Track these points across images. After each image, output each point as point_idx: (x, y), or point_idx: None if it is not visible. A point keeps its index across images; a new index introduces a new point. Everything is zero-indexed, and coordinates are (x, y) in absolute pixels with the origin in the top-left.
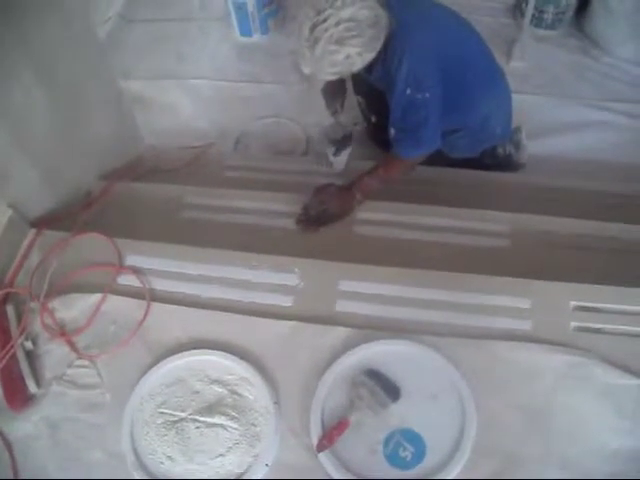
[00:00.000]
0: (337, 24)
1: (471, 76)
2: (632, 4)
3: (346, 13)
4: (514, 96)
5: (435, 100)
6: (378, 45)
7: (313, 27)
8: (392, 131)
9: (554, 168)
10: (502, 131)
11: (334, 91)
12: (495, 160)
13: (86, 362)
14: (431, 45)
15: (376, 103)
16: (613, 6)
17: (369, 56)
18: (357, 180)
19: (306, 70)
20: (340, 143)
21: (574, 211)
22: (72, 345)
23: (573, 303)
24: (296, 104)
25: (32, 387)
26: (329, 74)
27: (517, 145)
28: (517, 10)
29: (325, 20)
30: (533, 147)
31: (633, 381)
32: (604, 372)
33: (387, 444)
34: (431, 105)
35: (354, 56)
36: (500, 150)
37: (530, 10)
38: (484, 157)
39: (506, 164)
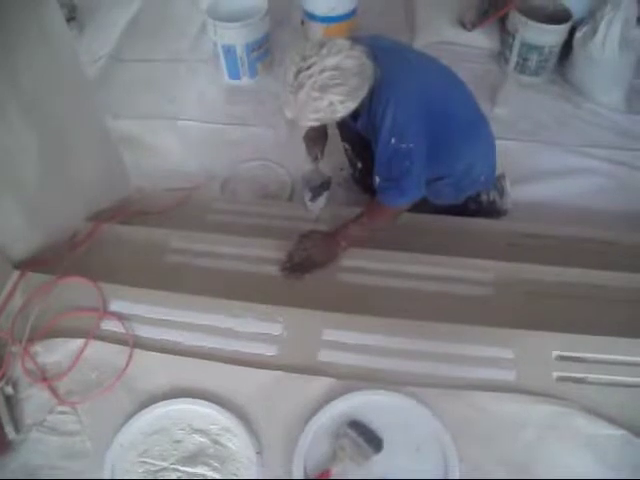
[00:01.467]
0: (321, 72)
1: (455, 126)
2: (612, 53)
3: (331, 61)
4: (498, 142)
5: (419, 150)
6: (361, 94)
7: (298, 73)
8: (376, 179)
9: (537, 214)
10: (486, 178)
11: (315, 138)
12: (479, 206)
13: (67, 408)
14: (415, 96)
15: (362, 150)
16: (594, 54)
17: (352, 104)
18: (341, 227)
19: (289, 115)
20: (317, 189)
21: (557, 258)
22: (53, 391)
23: (556, 353)
24: (283, 148)
25: (11, 433)
26: (311, 120)
27: (501, 192)
28: (501, 57)
29: (310, 67)
30: (516, 193)
31: (617, 431)
32: (587, 422)
33: None
34: (415, 155)
35: (337, 104)
36: (484, 197)
37: (514, 57)
38: (468, 203)
39: (490, 210)
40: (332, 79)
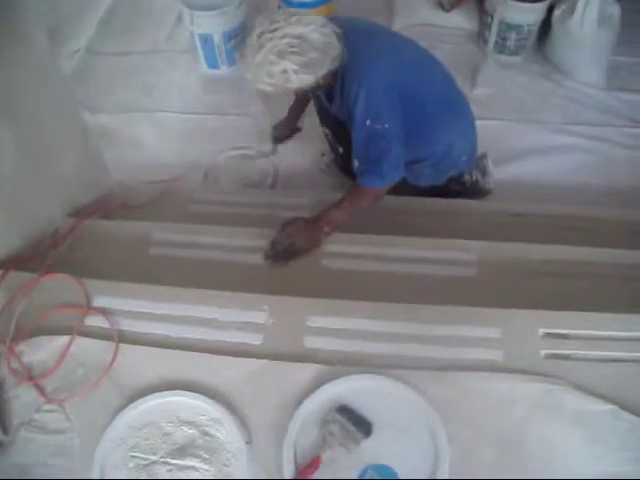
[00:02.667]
0: (283, 37)
1: (432, 106)
2: (591, 30)
3: (296, 30)
4: (479, 122)
5: (395, 130)
6: (320, 71)
7: (261, 34)
8: (355, 163)
9: (520, 193)
10: (467, 158)
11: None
12: (462, 187)
13: (55, 406)
14: (388, 76)
15: (342, 134)
16: (573, 32)
17: (307, 78)
18: (323, 213)
19: (248, 76)
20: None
21: (541, 236)
22: (40, 389)
23: (542, 330)
24: (264, 136)
25: None
26: (265, 84)
27: (483, 171)
28: (480, 37)
29: (274, 31)
30: (499, 173)
31: (605, 406)
32: (576, 399)
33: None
34: (392, 135)
35: (291, 73)
36: (467, 177)
37: (493, 37)
38: (451, 184)
39: (473, 191)
40: (291, 47)
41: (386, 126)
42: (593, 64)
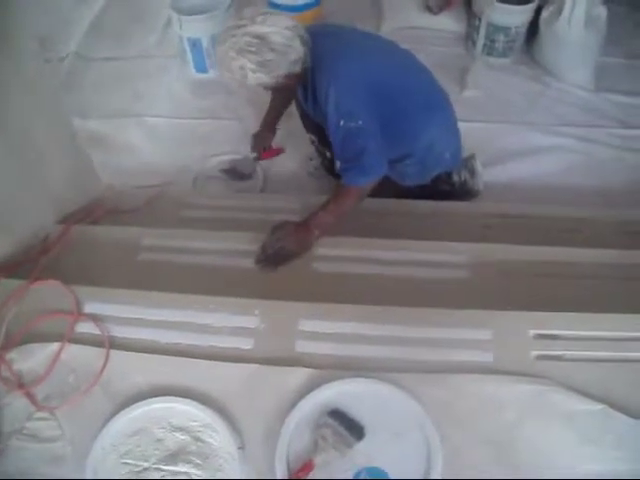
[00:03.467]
0: (244, 35)
1: (409, 104)
2: (578, 31)
3: (258, 30)
4: (468, 124)
5: (370, 127)
6: (276, 72)
7: (227, 29)
8: (337, 163)
9: (509, 195)
10: (451, 156)
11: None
12: (451, 187)
13: (46, 414)
14: (359, 76)
15: (327, 138)
16: (561, 33)
17: (263, 77)
18: (312, 215)
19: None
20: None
21: (530, 238)
22: (31, 397)
23: (533, 331)
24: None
25: None
26: (226, 76)
27: (472, 172)
28: (469, 39)
29: (238, 27)
30: (488, 175)
31: (596, 406)
32: (567, 399)
33: None
34: (367, 132)
35: (247, 70)
36: (455, 177)
37: (481, 39)
38: (439, 184)
39: (462, 191)
40: (249, 45)
41: (360, 123)
42: (581, 65)
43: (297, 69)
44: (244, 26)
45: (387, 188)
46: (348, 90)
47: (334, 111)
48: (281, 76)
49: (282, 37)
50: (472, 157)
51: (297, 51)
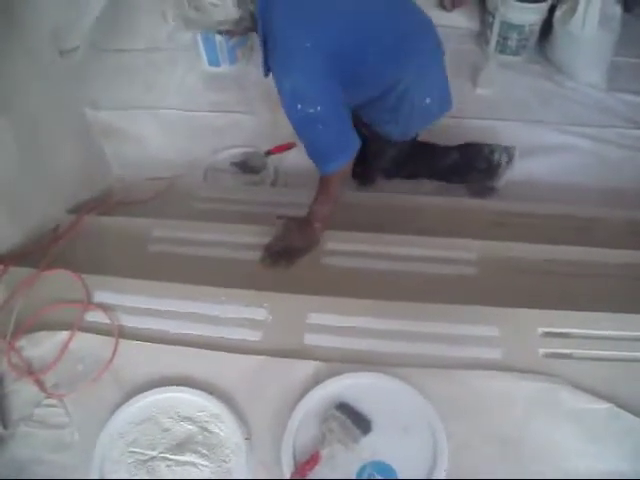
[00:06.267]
0: None
1: (373, 56)
2: (592, 31)
3: None
4: (479, 122)
5: (330, 106)
6: (199, 27)
7: None
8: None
9: (520, 193)
10: (435, 103)
11: None
12: (488, 164)
13: (54, 401)
14: (315, 53)
15: None
16: (575, 33)
17: (187, 28)
18: (309, 212)
19: None
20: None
21: (541, 236)
22: (40, 384)
23: (541, 329)
24: (265, 133)
25: None
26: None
27: (510, 159)
28: (482, 37)
29: None
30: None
31: (602, 405)
32: (574, 397)
33: (359, 477)
34: (327, 114)
35: (169, 19)
36: (496, 155)
37: (494, 37)
38: (478, 160)
39: (491, 173)
40: None
41: (319, 108)
42: (594, 65)
43: (229, 27)
44: None
45: (421, 164)
46: (307, 70)
47: (290, 95)
48: (209, 31)
49: None
50: (514, 148)
51: (227, 13)
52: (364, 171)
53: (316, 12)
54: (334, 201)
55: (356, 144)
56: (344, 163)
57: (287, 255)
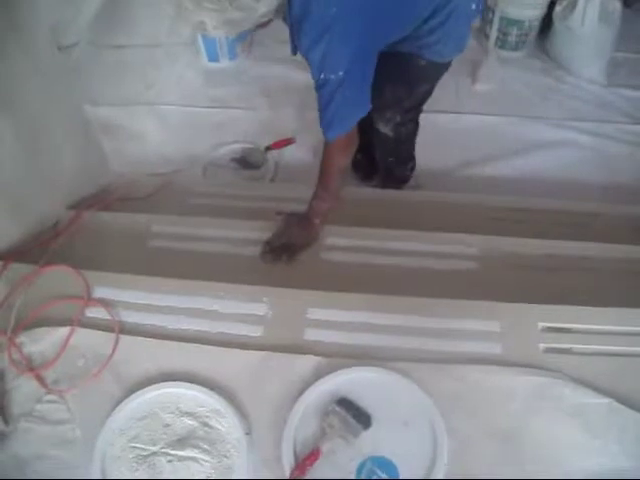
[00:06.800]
0: None
1: None
2: (592, 26)
3: None
4: (480, 117)
5: (354, 73)
6: (242, 26)
7: None
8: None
9: (520, 188)
10: (477, 8)
11: None
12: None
13: (55, 397)
14: (340, 11)
15: None
16: (574, 28)
17: (229, 32)
18: (308, 208)
19: None
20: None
21: (541, 231)
22: (41, 380)
23: (542, 324)
24: (265, 130)
25: (0, 425)
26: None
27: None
28: (482, 33)
29: None
30: (500, 168)
31: (602, 399)
32: (574, 392)
33: (360, 472)
34: (348, 80)
35: (209, 27)
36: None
37: (494, 32)
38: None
39: None
40: (212, 2)
41: (340, 74)
42: (594, 60)
43: (269, 17)
44: None
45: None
46: (330, 38)
47: (317, 65)
48: (249, 28)
49: None
50: None
51: (270, 3)
52: (365, 163)
53: None
54: (333, 197)
55: (366, 108)
56: (339, 131)
57: (287, 251)
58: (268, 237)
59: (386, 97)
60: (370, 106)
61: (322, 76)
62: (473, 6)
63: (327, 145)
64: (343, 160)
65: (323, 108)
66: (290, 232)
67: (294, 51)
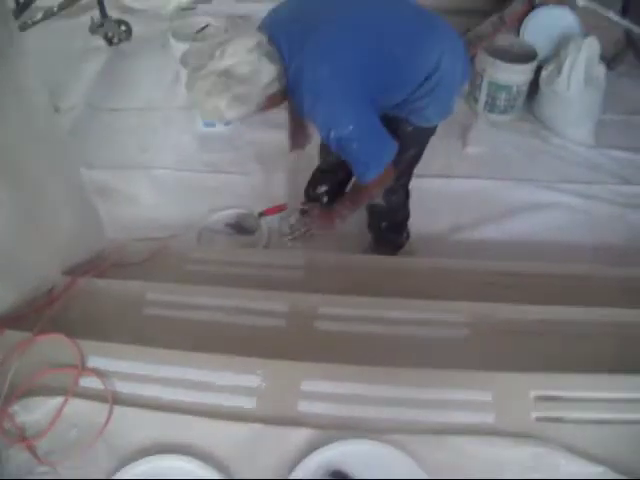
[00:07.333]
0: (207, 76)
1: (399, 49)
2: (578, 90)
3: (219, 65)
4: (469, 180)
5: (363, 122)
6: (252, 101)
7: (191, 72)
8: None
9: (510, 252)
10: (463, 75)
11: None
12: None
13: (47, 469)
14: (338, 74)
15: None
16: (560, 92)
17: (240, 109)
18: (335, 206)
19: None
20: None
21: (531, 296)
22: (32, 451)
23: (534, 393)
24: (259, 195)
25: None
26: (203, 117)
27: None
28: (471, 97)
29: (200, 68)
30: (490, 231)
31: (597, 468)
32: (568, 461)
33: None
34: (360, 131)
35: (223, 108)
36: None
37: (483, 97)
38: None
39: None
40: (214, 85)
41: (351, 128)
42: (581, 123)
43: (274, 89)
44: (204, 66)
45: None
46: (334, 98)
47: (322, 124)
48: (259, 103)
49: (247, 65)
50: None
51: (268, 73)
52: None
53: (330, 44)
54: (359, 205)
55: (394, 147)
56: (380, 170)
57: (305, 236)
58: (293, 223)
59: None
60: (396, 144)
61: (332, 134)
62: (459, 73)
63: (364, 185)
64: (377, 192)
65: (354, 162)
66: (312, 224)
67: (301, 115)
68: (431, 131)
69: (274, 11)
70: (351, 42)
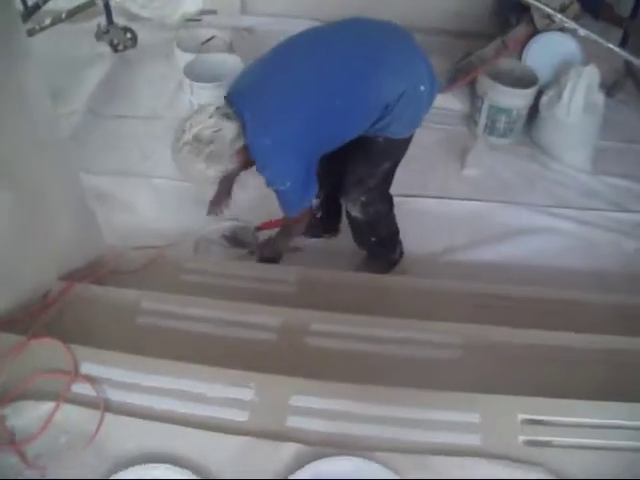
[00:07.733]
0: (182, 147)
1: (339, 101)
2: (577, 116)
3: (189, 135)
4: (466, 202)
5: (299, 181)
6: (224, 158)
7: (173, 150)
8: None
9: (504, 275)
10: (427, 90)
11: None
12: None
13: (36, 473)
14: (276, 141)
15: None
16: (560, 118)
17: (220, 167)
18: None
19: None
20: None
21: (523, 320)
22: (22, 455)
23: (521, 416)
24: (256, 207)
25: None
26: (195, 182)
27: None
28: (471, 119)
29: (177, 142)
30: (484, 254)
31: None
32: None
33: None
34: (294, 187)
35: (204, 170)
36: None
37: (483, 119)
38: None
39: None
40: (189, 152)
41: (288, 185)
42: (579, 148)
43: (242, 142)
44: (179, 140)
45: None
46: (274, 166)
47: (269, 181)
48: (231, 157)
49: (209, 127)
50: None
51: (230, 129)
52: (329, 223)
53: (278, 109)
54: (288, 237)
55: (313, 194)
56: (300, 211)
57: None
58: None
59: (349, 178)
60: (317, 188)
61: (274, 188)
62: (422, 87)
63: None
64: (298, 228)
65: (283, 204)
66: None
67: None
68: (404, 143)
69: (239, 77)
70: (300, 101)
